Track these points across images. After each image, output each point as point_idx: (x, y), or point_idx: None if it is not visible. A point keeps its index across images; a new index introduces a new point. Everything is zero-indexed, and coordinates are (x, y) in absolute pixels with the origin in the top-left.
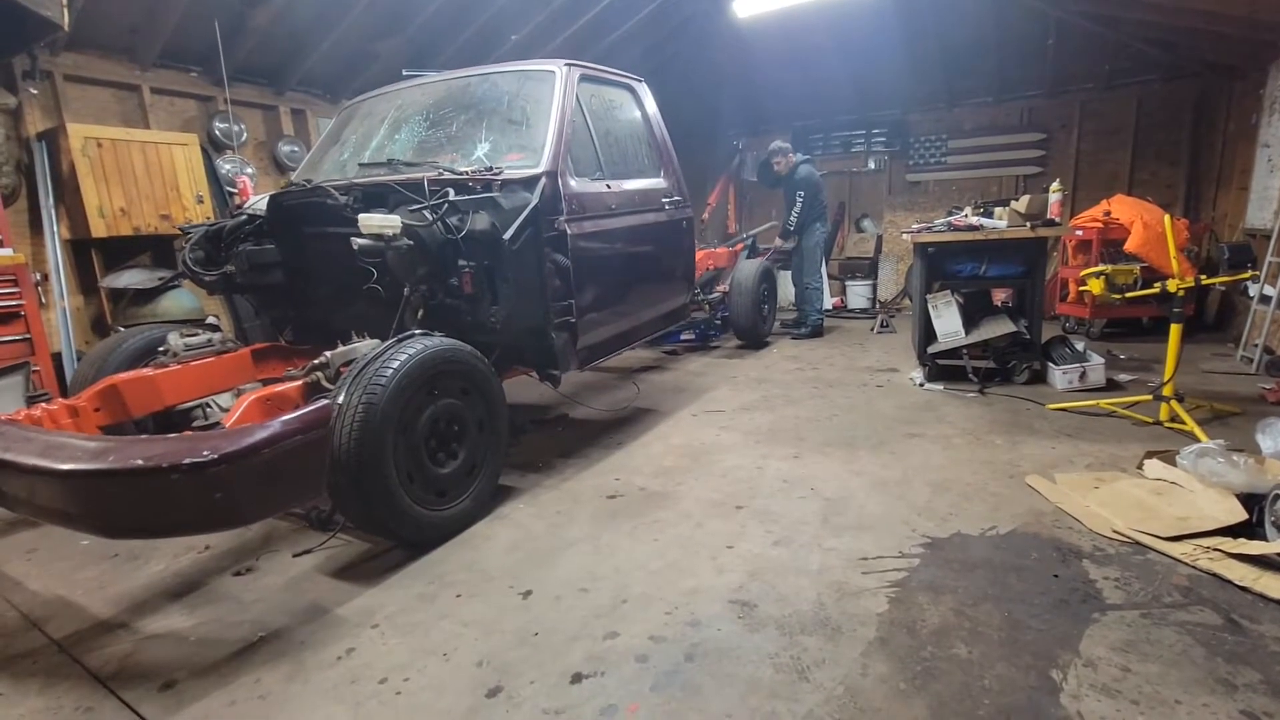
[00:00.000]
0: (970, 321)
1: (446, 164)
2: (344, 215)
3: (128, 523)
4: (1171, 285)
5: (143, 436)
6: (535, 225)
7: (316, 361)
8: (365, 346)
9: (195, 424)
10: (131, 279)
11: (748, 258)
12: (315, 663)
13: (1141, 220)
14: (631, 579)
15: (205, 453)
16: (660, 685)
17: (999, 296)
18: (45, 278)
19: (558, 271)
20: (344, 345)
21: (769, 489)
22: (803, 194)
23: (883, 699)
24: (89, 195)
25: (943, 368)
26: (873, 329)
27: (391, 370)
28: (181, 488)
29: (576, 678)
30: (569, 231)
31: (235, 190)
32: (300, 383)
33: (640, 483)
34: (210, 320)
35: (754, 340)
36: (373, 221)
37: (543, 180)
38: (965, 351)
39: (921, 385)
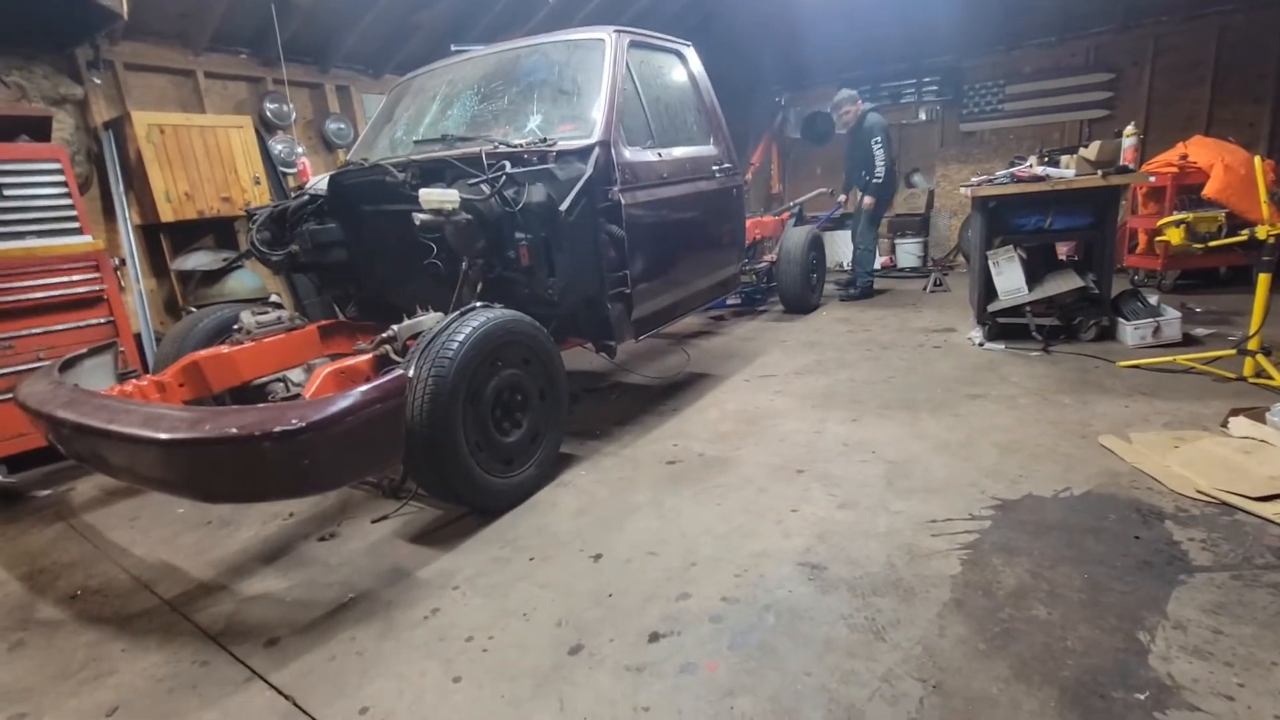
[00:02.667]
0: (1033, 277)
1: (500, 137)
2: (402, 192)
3: (223, 488)
4: (1261, 232)
5: (233, 407)
6: (590, 196)
7: (384, 335)
8: (430, 320)
9: (274, 397)
10: (199, 261)
11: (794, 226)
12: (404, 622)
13: (1222, 163)
14: (699, 542)
15: (294, 421)
16: (737, 644)
17: (1063, 250)
18: (122, 262)
19: (612, 242)
20: (409, 319)
21: (829, 453)
22: (879, 140)
23: (963, 659)
24: (155, 181)
25: (1003, 326)
26: (925, 288)
27: (458, 343)
28: (273, 454)
29: (654, 637)
30: (623, 201)
31: (291, 171)
32: (370, 356)
33: (699, 448)
34: (273, 298)
35: (803, 310)
36: (432, 196)
37: (596, 150)
38: (1028, 309)
39: (981, 345)
